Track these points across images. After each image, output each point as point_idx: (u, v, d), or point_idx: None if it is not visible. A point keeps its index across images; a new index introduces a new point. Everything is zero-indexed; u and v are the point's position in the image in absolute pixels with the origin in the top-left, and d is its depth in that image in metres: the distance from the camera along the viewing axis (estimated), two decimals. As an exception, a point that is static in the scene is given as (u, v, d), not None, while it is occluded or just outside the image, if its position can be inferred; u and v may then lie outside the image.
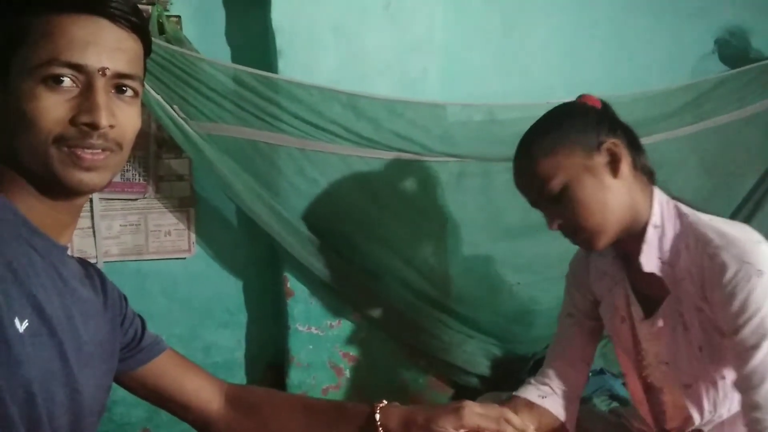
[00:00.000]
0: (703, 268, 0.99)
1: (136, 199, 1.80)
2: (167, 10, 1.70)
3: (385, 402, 0.93)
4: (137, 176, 1.78)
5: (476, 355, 1.85)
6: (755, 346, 0.94)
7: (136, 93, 0.76)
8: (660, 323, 1.09)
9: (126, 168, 1.76)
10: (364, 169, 1.71)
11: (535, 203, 1.10)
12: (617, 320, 1.17)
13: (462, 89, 1.82)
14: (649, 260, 1.05)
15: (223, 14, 1.80)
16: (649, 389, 1.18)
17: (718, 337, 1.01)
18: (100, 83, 0.71)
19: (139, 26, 0.75)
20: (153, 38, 1.58)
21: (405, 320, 1.80)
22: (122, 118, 0.74)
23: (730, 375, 1.04)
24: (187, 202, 1.83)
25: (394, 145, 1.70)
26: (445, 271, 1.82)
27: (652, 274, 1.06)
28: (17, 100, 0.69)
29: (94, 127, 0.70)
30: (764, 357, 0.93)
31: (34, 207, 0.74)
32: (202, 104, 1.62)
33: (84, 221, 1.74)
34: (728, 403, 1.08)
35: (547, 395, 1.22)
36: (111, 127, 0.72)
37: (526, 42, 1.91)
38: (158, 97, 1.58)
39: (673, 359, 1.09)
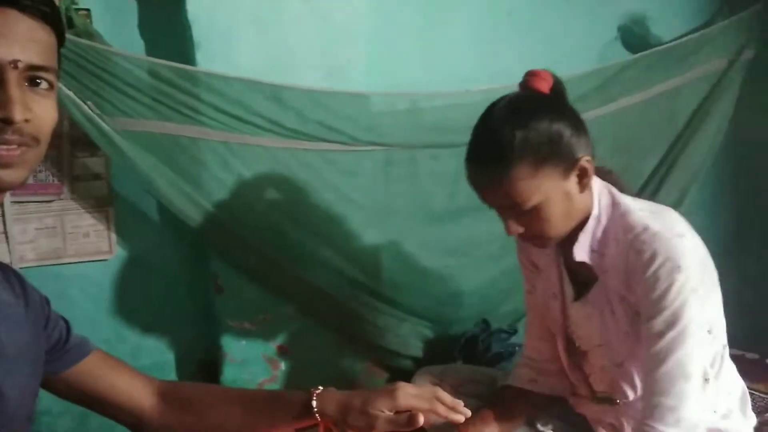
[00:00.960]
0: (628, 261, 1.06)
1: (51, 201, 1.71)
2: (75, 3, 1.62)
3: (321, 388, 0.94)
4: (51, 177, 1.70)
5: (409, 338, 1.90)
6: (661, 334, 1.02)
7: (51, 85, 0.73)
8: (589, 307, 1.15)
9: (39, 169, 1.67)
10: (290, 160, 1.71)
11: (497, 209, 1.10)
12: (549, 295, 1.24)
13: (386, 78, 1.84)
14: (581, 250, 1.10)
15: (135, 6, 1.73)
16: (575, 358, 1.24)
17: (637, 320, 1.08)
18: (13, 76, 0.68)
19: (51, 16, 0.73)
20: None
21: (338, 308, 1.81)
22: (38, 112, 0.71)
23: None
24: (105, 202, 1.76)
25: (320, 135, 1.70)
26: (375, 258, 1.85)
27: (583, 263, 1.12)
28: None
29: (7, 122, 0.68)
30: (666, 344, 1.01)
31: None
32: (117, 99, 1.56)
33: (-5, 226, 1.65)
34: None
35: (536, 378, 1.30)
36: (26, 121, 0.69)
37: (446, 31, 1.95)
38: (70, 93, 1.51)
39: (604, 341, 1.16)
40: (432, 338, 1.93)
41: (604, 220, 1.10)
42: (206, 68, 1.63)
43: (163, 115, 1.60)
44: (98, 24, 1.64)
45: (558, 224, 1.07)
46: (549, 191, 1.03)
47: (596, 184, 1.12)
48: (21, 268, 1.67)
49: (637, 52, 2.05)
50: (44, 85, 0.72)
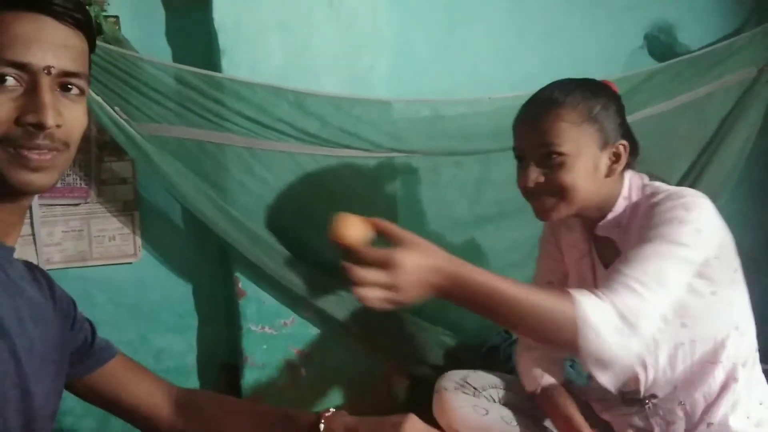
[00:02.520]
0: (645, 216, 1.06)
1: (77, 204, 1.75)
2: (105, 10, 1.66)
3: (332, 410, 0.93)
4: (78, 180, 1.73)
5: (430, 346, 1.89)
6: (651, 240, 0.99)
7: (82, 91, 0.75)
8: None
9: (67, 172, 1.71)
10: (312, 166, 1.72)
11: (522, 151, 1.12)
12: (582, 282, 1.24)
13: (408, 85, 1.84)
14: (606, 225, 1.12)
15: (162, 14, 1.76)
16: None
17: None
18: (45, 82, 0.70)
19: (83, 23, 0.74)
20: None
21: (359, 315, 1.81)
22: (69, 117, 0.73)
23: (678, 335, 1.09)
24: (131, 206, 1.79)
25: (342, 141, 1.71)
26: (397, 265, 1.84)
27: (614, 246, 1.12)
28: None
29: (40, 127, 0.69)
30: (654, 248, 0.98)
31: None
32: (144, 105, 1.59)
33: (24, 228, 1.66)
34: (678, 367, 1.12)
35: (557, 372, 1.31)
36: (58, 126, 0.71)
37: (469, 38, 1.95)
38: (98, 98, 1.54)
39: None
40: (453, 346, 1.91)
41: (634, 197, 1.12)
42: (231, 75, 1.65)
43: (189, 121, 1.62)
44: (126, 31, 1.68)
45: (578, 187, 1.08)
46: (582, 148, 1.07)
47: (628, 173, 1.15)
48: (47, 270, 1.69)
49: (663, 61, 2.03)
50: (75, 90, 0.74)
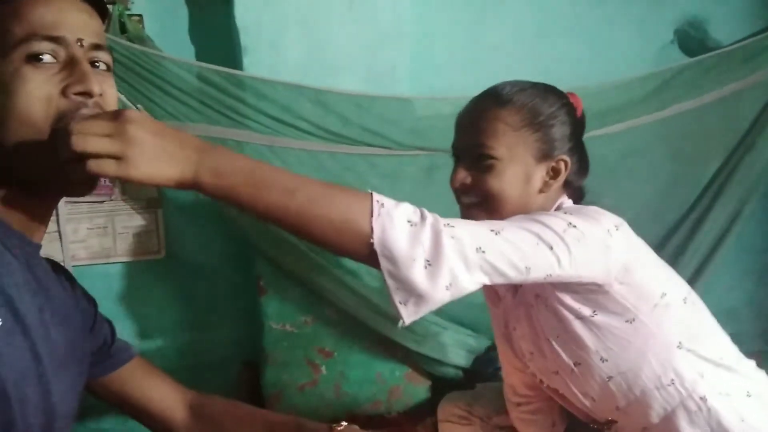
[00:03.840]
0: None
1: (102, 202, 1.77)
2: (129, 9, 1.67)
3: (344, 424, 0.92)
4: (103, 178, 1.75)
5: (452, 346, 1.87)
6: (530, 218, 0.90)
7: (108, 67, 0.76)
8: (517, 322, 1.08)
9: (91, 170, 1.73)
10: (334, 164, 1.71)
11: (458, 151, 1.05)
12: (502, 340, 1.17)
13: (430, 82, 1.83)
14: None
15: (185, 12, 1.77)
16: (553, 393, 1.16)
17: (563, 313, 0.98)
18: (81, 53, 0.71)
19: (98, 2, 0.76)
20: (115, 38, 1.56)
21: (380, 314, 1.80)
22: (106, 88, 0.73)
23: (588, 357, 1.01)
24: (155, 203, 1.80)
25: (363, 139, 1.70)
26: (417, 264, 1.82)
27: None
28: (4, 83, 0.68)
29: (88, 95, 0.69)
30: (527, 220, 0.89)
31: (9, 204, 0.72)
32: (166, 103, 1.60)
33: (49, 225, 1.70)
34: (618, 395, 1.03)
35: (536, 418, 1.26)
36: (101, 95, 0.71)
37: (491, 34, 1.93)
38: (122, 96, 1.56)
39: (536, 351, 1.07)
40: (474, 347, 1.89)
41: None
42: (253, 72, 1.65)
43: (210, 118, 1.63)
44: (150, 29, 1.69)
45: (504, 196, 0.98)
46: (516, 155, 0.98)
47: (565, 197, 1.05)
48: (72, 266, 1.72)
49: (694, 56, 1.97)
50: (103, 66, 0.75)
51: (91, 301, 0.93)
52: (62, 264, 0.91)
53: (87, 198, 1.75)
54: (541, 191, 1.01)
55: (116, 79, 1.50)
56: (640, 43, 2.04)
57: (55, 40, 0.70)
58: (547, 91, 1.04)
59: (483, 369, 1.85)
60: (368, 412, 1.88)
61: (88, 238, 1.77)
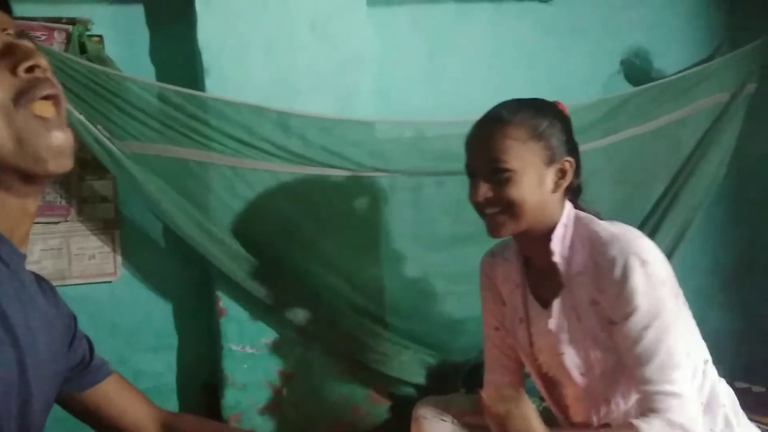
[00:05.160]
0: (597, 264, 1.09)
1: (57, 223, 1.73)
2: (89, 30, 1.67)
3: None
4: (59, 199, 1.72)
5: (412, 365, 1.89)
6: (643, 332, 1.04)
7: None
8: (554, 316, 1.16)
9: (47, 190, 1.70)
10: (296, 185, 1.72)
11: (473, 168, 1.16)
12: (516, 321, 1.25)
13: (393, 105, 1.87)
14: (556, 251, 1.14)
15: (146, 33, 1.77)
16: (551, 385, 1.24)
17: (610, 327, 1.10)
18: (12, 39, 0.71)
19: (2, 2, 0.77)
20: (75, 57, 1.55)
21: (341, 334, 1.81)
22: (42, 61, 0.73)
23: (621, 366, 1.11)
24: (112, 224, 1.78)
25: (326, 161, 1.72)
26: (379, 284, 1.85)
27: (548, 275, 1.15)
28: None
29: (36, 66, 0.69)
30: (653, 336, 1.04)
31: None
32: (126, 123, 1.59)
33: (0, 247, 1.66)
34: (628, 395, 1.13)
35: None
36: (40, 67, 0.70)
37: (453, 60, 1.99)
38: (81, 116, 1.54)
39: (567, 350, 1.15)
40: (435, 366, 1.91)
41: (570, 231, 1.15)
42: (215, 94, 1.66)
43: (172, 140, 1.62)
44: (110, 50, 1.69)
45: (525, 201, 1.11)
46: (528, 164, 1.10)
47: (568, 204, 1.18)
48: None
49: (639, 85, 2.08)
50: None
51: (72, 317, 0.92)
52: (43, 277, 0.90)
53: (42, 219, 1.71)
54: (553, 191, 1.14)
55: (75, 98, 1.51)
56: (590, 72, 2.13)
57: None
58: (539, 105, 1.17)
59: (439, 385, 1.87)
60: (330, 433, 1.88)
61: (42, 259, 1.73)
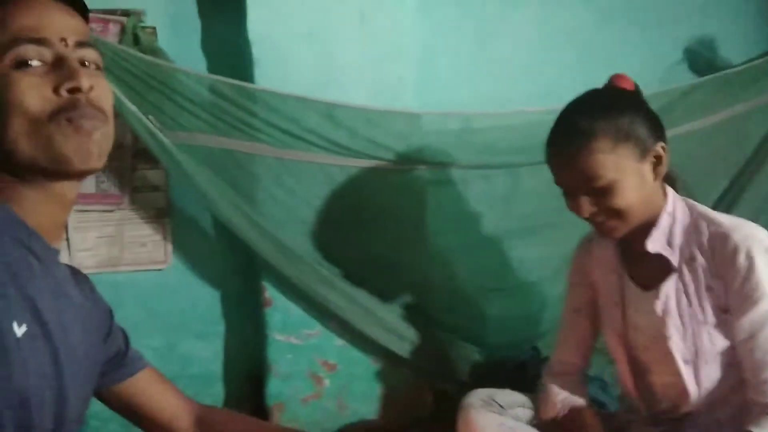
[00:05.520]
0: (715, 250, 1.08)
1: (111, 211, 1.78)
2: (142, 21, 1.70)
3: None
4: (113, 187, 1.77)
5: (456, 361, 1.87)
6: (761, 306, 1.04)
7: (97, 66, 0.77)
8: (661, 299, 1.15)
9: (101, 179, 1.75)
10: (341, 177, 1.72)
11: (570, 190, 1.13)
12: (611, 305, 1.25)
13: (437, 97, 1.83)
14: (656, 242, 1.13)
15: (198, 25, 1.79)
16: (639, 373, 1.23)
17: (723, 315, 1.09)
18: (66, 52, 0.72)
19: (81, 7, 0.78)
20: (128, 49, 1.58)
21: (385, 328, 1.80)
22: (97, 84, 0.74)
23: (727, 353, 1.11)
24: (163, 213, 1.82)
25: (371, 153, 1.71)
26: (424, 279, 1.83)
27: (651, 258, 1.13)
28: None
29: (77, 90, 0.71)
30: None
31: (30, 209, 0.73)
32: (177, 114, 1.61)
33: (58, 233, 1.72)
34: (722, 383, 1.13)
35: (583, 395, 1.32)
36: (92, 88, 0.72)
37: (500, 50, 1.94)
38: (133, 107, 1.57)
39: (673, 334, 1.14)
40: (479, 362, 1.89)
41: (680, 216, 1.13)
42: (264, 85, 1.66)
43: (221, 131, 1.64)
44: (163, 41, 1.71)
45: (632, 205, 1.09)
46: (624, 170, 1.07)
47: (669, 189, 1.16)
48: (80, 274, 1.73)
49: (703, 75, 1.98)
50: (93, 66, 0.76)
51: (108, 309, 0.94)
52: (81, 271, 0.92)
53: (96, 207, 1.76)
54: (654, 180, 1.12)
55: (128, 90, 1.54)
56: (648, 62, 2.03)
57: (39, 42, 0.71)
58: (612, 100, 1.13)
59: (483, 382, 1.85)
60: (370, 425, 1.87)
61: (96, 246, 1.78)
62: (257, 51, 1.67)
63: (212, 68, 1.77)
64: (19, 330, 0.67)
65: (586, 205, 1.10)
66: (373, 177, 1.73)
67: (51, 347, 0.72)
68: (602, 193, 1.08)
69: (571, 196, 1.13)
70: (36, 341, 0.70)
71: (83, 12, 0.78)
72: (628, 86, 1.17)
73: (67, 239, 1.73)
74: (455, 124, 1.75)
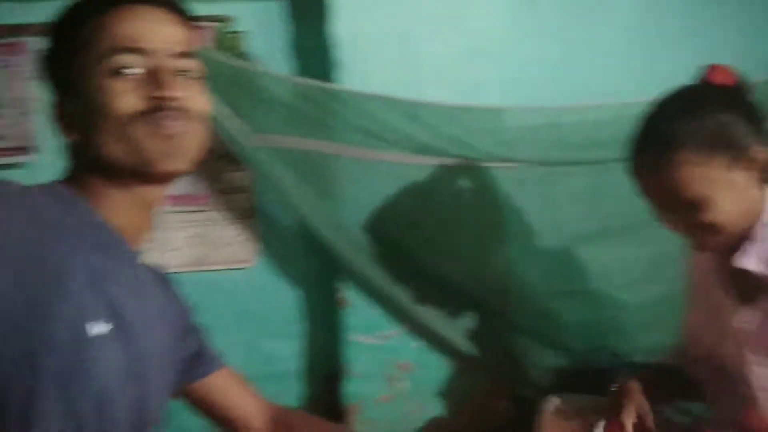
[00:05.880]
0: None
1: (199, 212, 1.84)
2: (232, 27, 1.76)
3: None
4: (200, 189, 1.83)
5: (535, 367, 1.82)
6: None
7: (197, 76, 0.79)
8: (749, 319, 1.07)
9: (190, 181, 1.82)
10: (422, 176, 1.71)
11: (659, 204, 1.05)
12: (709, 313, 1.17)
13: (523, 90, 1.79)
14: (748, 259, 1.03)
15: (285, 27, 1.84)
16: (724, 383, 1.16)
17: None
18: (162, 62, 0.75)
19: (182, 11, 0.80)
20: (216, 54, 1.64)
21: (463, 330, 1.78)
22: (191, 93, 0.77)
23: None
24: (249, 214, 1.86)
25: (453, 151, 1.69)
26: (505, 280, 1.79)
27: (747, 272, 1.04)
28: (92, 99, 0.73)
29: (166, 98, 0.73)
30: None
31: (115, 211, 0.76)
32: (262, 116, 1.65)
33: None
34: None
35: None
36: (181, 98, 0.74)
37: (592, 38, 1.85)
38: (220, 110, 1.63)
39: (754, 360, 1.07)
40: (558, 368, 1.83)
41: None
42: (347, 86, 1.69)
43: (303, 132, 1.67)
44: (252, 46, 1.77)
45: (726, 218, 0.99)
46: (718, 182, 0.97)
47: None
48: (169, 273, 1.80)
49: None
50: (191, 74, 0.78)
51: (186, 308, 0.97)
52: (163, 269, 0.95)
53: (185, 208, 1.83)
54: (753, 186, 1.01)
55: (217, 93, 1.60)
56: (758, 49, 1.87)
57: (137, 51, 0.74)
58: (707, 99, 1.01)
59: (563, 388, 1.79)
60: (446, 428, 1.85)
61: (185, 246, 1.84)
62: (341, 52, 1.70)
63: (298, 70, 1.81)
64: (97, 330, 0.69)
65: (676, 219, 1.03)
66: (454, 176, 1.71)
67: (131, 347, 0.73)
68: (693, 208, 0.99)
69: (659, 209, 1.05)
70: (115, 342, 0.71)
71: (187, 21, 0.80)
72: (727, 80, 1.04)
73: (157, 239, 1.81)
74: (540, 119, 1.71)
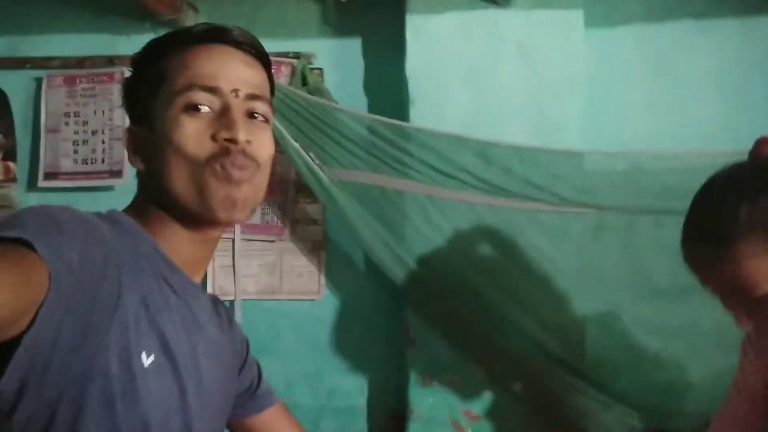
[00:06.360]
0: None
1: (273, 241, 1.89)
2: (311, 63, 1.81)
3: None
4: (275, 219, 1.88)
5: (614, 427, 1.68)
6: None
7: (266, 119, 0.79)
8: None
9: (266, 211, 1.86)
10: (493, 218, 1.65)
11: (722, 297, 0.93)
12: None
13: (604, 134, 1.72)
14: None
15: (362, 64, 1.87)
16: None
17: None
18: (234, 104, 0.75)
19: (261, 54, 0.80)
20: (296, 89, 1.68)
21: (533, 381, 1.68)
22: (257, 137, 0.76)
23: None
24: (319, 246, 1.89)
25: (527, 193, 1.62)
26: (579, 332, 1.68)
27: None
28: (163, 133, 0.74)
29: (233, 141, 0.73)
30: None
31: (174, 244, 0.77)
32: (335, 151, 1.68)
33: (226, 260, 1.86)
34: None
35: None
36: (248, 142, 0.74)
37: (680, 82, 1.77)
38: (296, 144, 1.66)
39: None
40: (637, 427, 1.68)
41: None
42: (419, 123, 1.67)
43: (376, 168, 1.67)
44: (330, 82, 1.81)
45: None
46: None
47: None
48: (242, 300, 1.84)
49: None
50: (261, 118, 0.78)
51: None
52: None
53: (260, 237, 1.88)
54: None
55: (292, 128, 1.63)
56: None
57: (211, 90, 0.74)
58: (758, 180, 0.88)
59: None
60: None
61: (259, 273, 1.89)
62: (413, 88, 1.69)
63: (373, 106, 1.83)
64: (147, 360, 0.69)
65: (741, 315, 0.91)
66: (527, 219, 1.64)
67: (178, 380, 0.73)
68: (761, 303, 0.86)
69: (724, 303, 0.92)
70: (163, 373, 0.71)
71: (264, 64, 0.81)
72: None
73: (233, 265, 1.86)
74: (622, 163, 1.60)
